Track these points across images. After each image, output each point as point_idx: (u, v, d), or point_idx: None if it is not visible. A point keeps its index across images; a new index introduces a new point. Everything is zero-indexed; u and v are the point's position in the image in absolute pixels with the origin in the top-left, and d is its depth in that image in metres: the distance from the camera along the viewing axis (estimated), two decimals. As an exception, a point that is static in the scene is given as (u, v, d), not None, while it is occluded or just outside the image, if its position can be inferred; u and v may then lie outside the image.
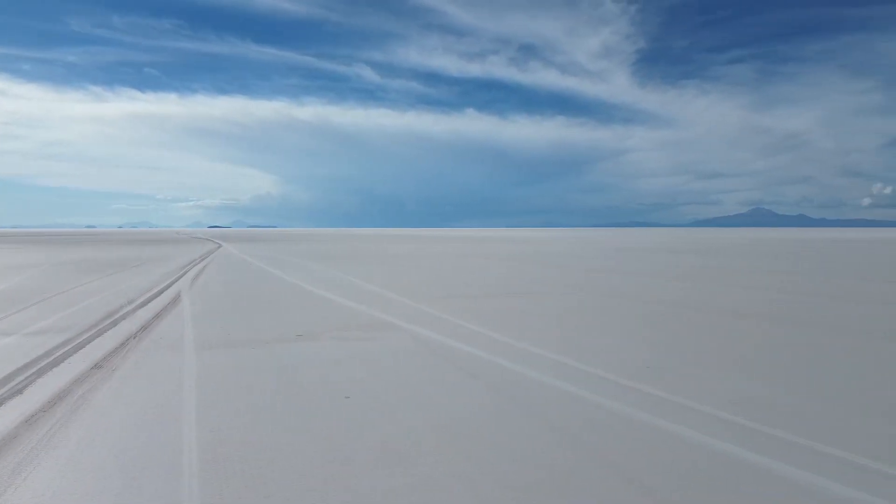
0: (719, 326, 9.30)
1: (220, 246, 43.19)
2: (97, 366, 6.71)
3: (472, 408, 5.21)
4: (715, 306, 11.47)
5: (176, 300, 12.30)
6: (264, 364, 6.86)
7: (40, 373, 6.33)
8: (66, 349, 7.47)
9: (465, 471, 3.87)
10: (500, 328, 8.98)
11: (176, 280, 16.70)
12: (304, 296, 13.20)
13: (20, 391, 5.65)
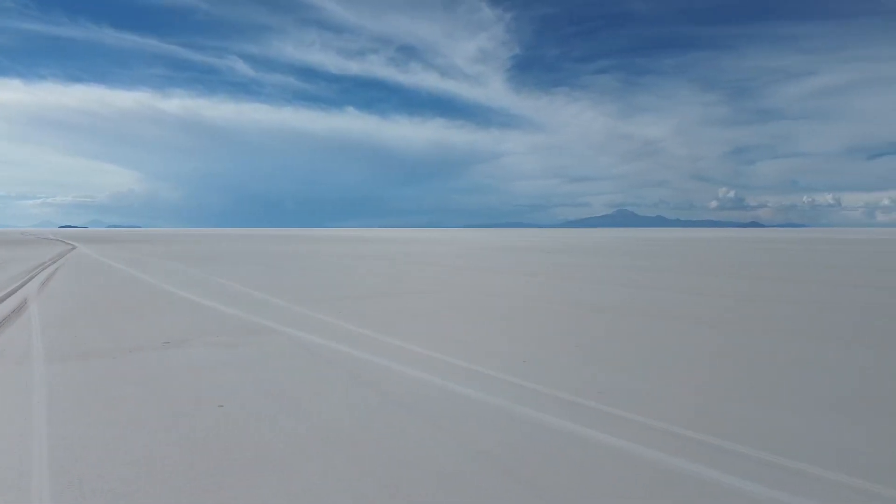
0: (578, 320, 9.94)
1: (73, 247, 39.42)
2: (-77, 385, 5.91)
3: (356, 410, 5.19)
4: (575, 301, 12.23)
5: (21, 308, 11.10)
6: (127, 374, 6.39)
7: None
8: None
9: (348, 475, 3.86)
10: (381, 328, 8.99)
11: (21, 285, 15.05)
12: (171, 300, 12.41)
13: None
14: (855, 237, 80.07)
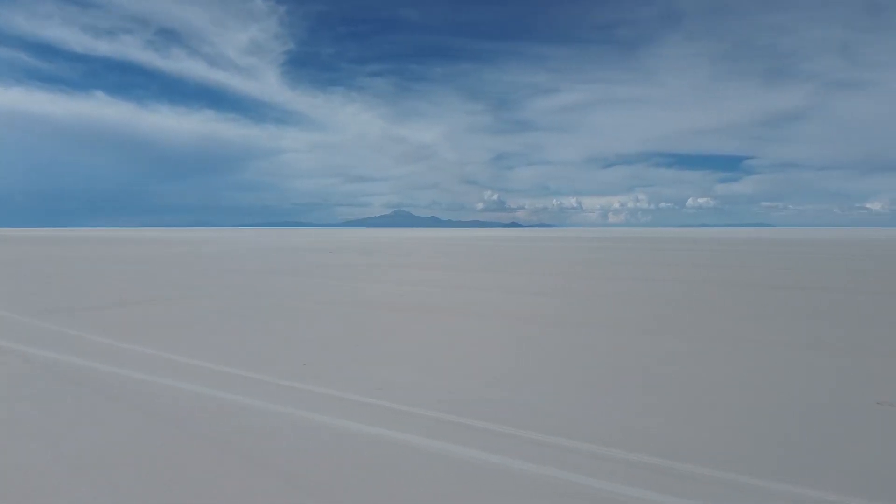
0: (356, 318, 10.08)
1: None
2: None
3: (112, 432, 4.59)
4: (355, 300, 12.39)
5: None
6: None
7: None
8: None
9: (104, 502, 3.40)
10: (137, 339, 8.10)
11: None
12: None
13: None
14: (596, 235, 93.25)
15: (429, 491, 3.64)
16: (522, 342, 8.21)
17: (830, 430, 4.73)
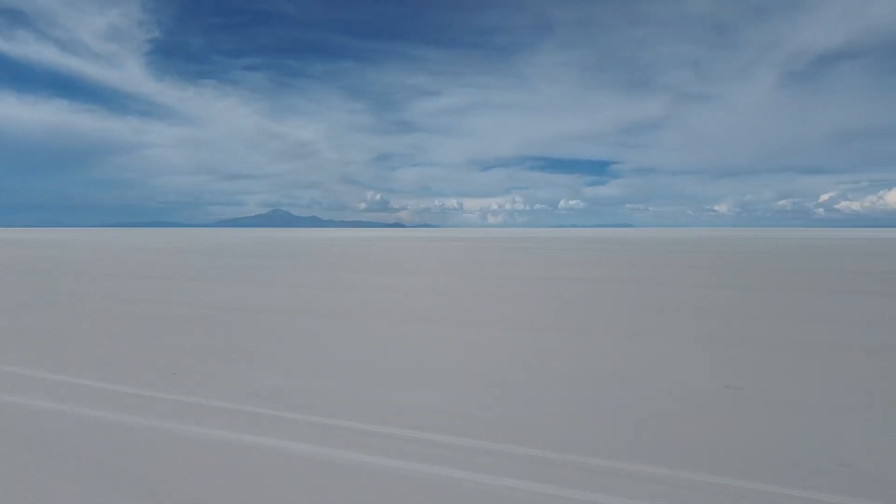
0: (219, 323, 9.64)
1: None
2: None
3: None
4: (223, 303, 11.85)
5: None
6: None
7: None
8: None
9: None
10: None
11: None
12: None
13: None
14: (484, 235, 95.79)
15: (287, 493, 3.58)
16: (410, 343, 8.23)
17: (683, 410, 5.18)
